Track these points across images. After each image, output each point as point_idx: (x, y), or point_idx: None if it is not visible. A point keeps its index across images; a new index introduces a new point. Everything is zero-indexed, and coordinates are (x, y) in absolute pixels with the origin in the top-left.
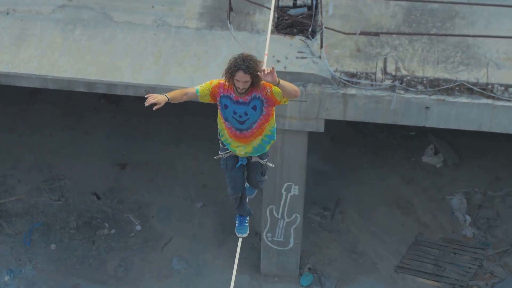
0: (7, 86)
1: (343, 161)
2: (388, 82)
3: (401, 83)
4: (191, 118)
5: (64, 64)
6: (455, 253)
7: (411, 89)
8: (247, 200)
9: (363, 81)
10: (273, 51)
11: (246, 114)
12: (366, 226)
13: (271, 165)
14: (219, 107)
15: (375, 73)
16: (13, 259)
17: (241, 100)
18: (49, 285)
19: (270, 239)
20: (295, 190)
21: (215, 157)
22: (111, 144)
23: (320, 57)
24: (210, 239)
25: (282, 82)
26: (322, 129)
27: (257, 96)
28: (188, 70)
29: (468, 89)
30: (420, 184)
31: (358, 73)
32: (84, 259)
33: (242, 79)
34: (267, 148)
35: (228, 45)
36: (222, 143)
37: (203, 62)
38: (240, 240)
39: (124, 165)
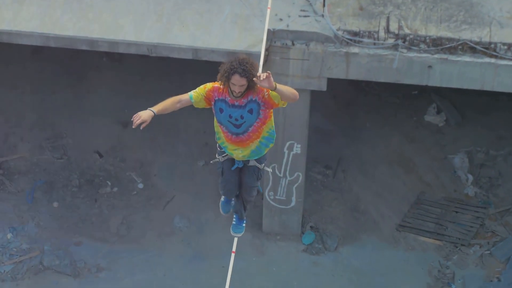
0: (9, 44)
1: (346, 120)
2: (390, 41)
3: (403, 42)
4: (193, 77)
5: (66, 22)
6: (457, 212)
7: (414, 48)
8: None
9: (365, 40)
10: (275, 10)
11: (242, 117)
12: (368, 185)
13: (268, 169)
14: (214, 111)
15: (377, 32)
16: (15, 217)
17: (236, 104)
18: (52, 242)
19: (272, 197)
20: (297, 148)
21: (211, 161)
22: (113, 102)
23: (322, 15)
24: (212, 197)
25: (279, 86)
26: (324, 88)
27: (254, 99)
28: (191, 28)
29: (471, 48)
30: (422, 143)
31: (361, 32)
32: (87, 217)
33: (238, 82)
34: (265, 152)
35: (230, 3)
36: (219, 146)
37: (206, 20)
38: (236, 239)
39: (126, 124)
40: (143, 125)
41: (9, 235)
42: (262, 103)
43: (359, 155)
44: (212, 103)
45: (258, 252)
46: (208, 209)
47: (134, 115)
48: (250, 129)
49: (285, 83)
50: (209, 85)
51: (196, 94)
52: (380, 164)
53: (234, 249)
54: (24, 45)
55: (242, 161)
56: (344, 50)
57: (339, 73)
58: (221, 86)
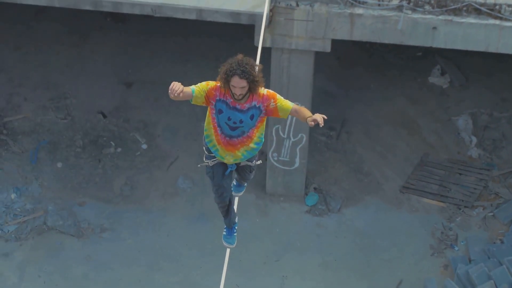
0: (14, 4)
1: (350, 81)
2: (395, 2)
3: (408, 3)
4: (197, 38)
5: None
6: (460, 174)
7: (419, 9)
8: (234, 206)
9: (370, 1)
10: None
11: (241, 121)
12: (371, 146)
13: (259, 162)
14: (212, 111)
15: None
16: (19, 177)
17: (238, 107)
18: (55, 203)
19: (276, 159)
20: None
21: (199, 165)
22: (117, 62)
23: None
24: None
25: (300, 109)
26: (328, 49)
27: (257, 106)
28: None
29: (475, 9)
30: (426, 104)
31: None
32: (90, 178)
33: (238, 84)
34: (255, 154)
35: None
36: (208, 149)
37: None
38: (228, 250)
39: (130, 84)
40: (182, 94)
41: (13, 195)
42: (264, 111)
43: (363, 117)
44: (213, 102)
45: (262, 213)
46: None
47: (172, 85)
48: (245, 134)
49: (289, 45)
50: (211, 83)
51: (198, 90)
52: (383, 125)
53: (225, 265)
54: (28, 5)
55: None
56: (349, 11)
57: (343, 34)
58: (222, 88)
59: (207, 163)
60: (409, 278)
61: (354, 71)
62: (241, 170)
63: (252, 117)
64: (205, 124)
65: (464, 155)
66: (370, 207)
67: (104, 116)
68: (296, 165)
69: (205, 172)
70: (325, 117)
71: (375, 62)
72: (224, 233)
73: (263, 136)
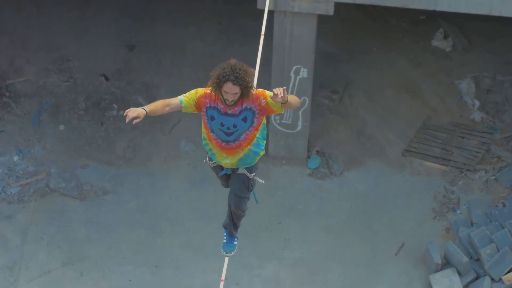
0: None
1: (353, 45)
2: None
3: None
4: (199, 1)
5: None
6: (462, 137)
7: None
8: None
9: None
10: None
11: (235, 126)
12: (374, 110)
13: (260, 180)
14: (204, 118)
15: None
16: (22, 139)
17: (229, 112)
18: (58, 165)
19: (278, 121)
20: (303, 72)
21: (204, 160)
22: (119, 25)
23: None
24: None
25: (289, 98)
26: (331, 12)
27: (248, 107)
28: None
29: None
30: (429, 68)
31: None
32: (93, 140)
33: (231, 91)
34: (256, 161)
35: None
36: (207, 152)
37: None
38: (226, 259)
39: (132, 47)
40: (136, 120)
41: (15, 158)
42: (258, 111)
43: (366, 80)
44: (204, 110)
45: (264, 176)
46: None
47: (128, 110)
48: (242, 137)
49: (292, 8)
50: (200, 91)
51: (187, 99)
52: (386, 89)
53: (223, 276)
54: None
55: (231, 168)
56: None
57: None
58: (213, 93)
59: (210, 163)
60: (411, 241)
61: (357, 34)
62: (237, 181)
63: (245, 120)
64: (202, 128)
65: (467, 118)
66: (372, 170)
67: (107, 79)
68: (299, 128)
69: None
70: (285, 88)
71: (378, 26)
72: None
73: (262, 139)
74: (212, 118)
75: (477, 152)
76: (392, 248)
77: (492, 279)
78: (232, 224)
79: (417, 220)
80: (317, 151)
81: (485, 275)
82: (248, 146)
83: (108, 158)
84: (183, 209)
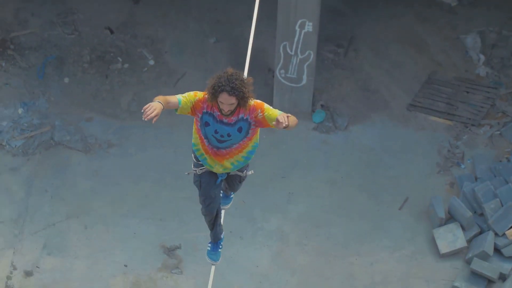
0: None
1: None
2: None
3: None
4: None
5: None
6: (467, 92)
7: None
8: (221, 219)
9: None
10: None
11: (229, 135)
12: (379, 64)
13: (250, 172)
14: (197, 123)
15: None
16: (26, 92)
17: (225, 121)
18: (63, 118)
19: (283, 75)
20: (309, 26)
21: (186, 173)
22: None
23: None
24: None
25: (290, 122)
26: None
27: (245, 118)
28: None
29: None
30: (434, 22)
31: None
32: (97, 93)
33: (227, 101)
34: (246, 164)
35: None
36: (196, 157)
37: None
38: (213, 268)
39: (137, 0)
40: (155, 119)
41: (20, 110)
42: (254, 123)
43: (371, 34)
44: (199, 115)
45: (268, 130)
46: None
47: (147, 106)
48: (234, 145)
49: None
50: (199, 94)
51: (185, 101)
52: (391, 43)
53: (209, 286)
54: None
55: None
56: None
57: None
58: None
59: (194, 171)
60: (415, 195)
61: None
62: (230, 180)
63: (240, 130)
64: (193, 132)
65: (472, 73)
66: (377, 124)
67: (112, 32)
68: (303, 82)
69: (192, 181)
70: (289, 115)
71: None
72: (209, 248)
73: (256, 144)
74: (206, 124)
75: (482, 107)
76: (396, 202)
77: (496, 234)
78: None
79: (421, 175)
80: (322, 105)
81: (488, 230)
82: (240, 154)
83: (113, 111)
84: (188, 163)
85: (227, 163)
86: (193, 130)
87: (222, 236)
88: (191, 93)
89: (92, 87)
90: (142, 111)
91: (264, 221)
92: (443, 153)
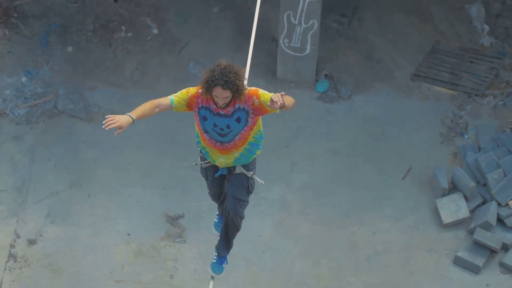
0: None
1: None
2: None
3: None
4: None
5: None
6: (471, 62)
7: None
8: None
9: None
10: None
11: (228, 127)
12: (383, 34)
13: (260, 180)
14: (196, 118)
15: None
16: (30, 60)
17: (222, 113)
18: (66, 86)
19: (287, 44)
20: None
21: (194, 163)
22: None
23: None
24: (226, 43)
25: (285, 102)
26: None
27: (242, 107)
28: None
29: None
30: None
31: None
32: (101, 62)
33: (221, 95)
34: (252, 159)
35: None
36: (200, 151)
37: None
38: (211, 283)
39: None
40: (118, 131)
41: (23, 79)
42: (252, 111)
43: (375, 4)
44: (196, 110)
45: None
46: (222, 55)
47: (110, 117)
48: (237, 137)
49: None
50: (192, 90)
51: (178, 99)
52: (395, 13)
53: None
54: None
55: (227, 168)
56: None
57: None
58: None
59: (201, 164)
60: (418, 165)
61: None
62: (236, 182)
63: (238, 120)
64: (195, 126)
65: (476, 43)
66: (381, 94)
67: (115, 1)
68: (307, 51)
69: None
70: (283, 93)
71: None
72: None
73: (260, 136)
74: (204, 118)
75: (486, 77)
76: (399, 172)
77: (499, 204)
78: (225, 239)
79: (425, 145)
80: (326, 75)
81: (491, 200)
82: (244, 145)
83: (116, 80)
84: (191, 132)
85: (230, 157)
86: (195, 125)
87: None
88: (183, 90)
89: (95, 55)
90: (104, 119)
91: (267, 191)
92: (447, 123)
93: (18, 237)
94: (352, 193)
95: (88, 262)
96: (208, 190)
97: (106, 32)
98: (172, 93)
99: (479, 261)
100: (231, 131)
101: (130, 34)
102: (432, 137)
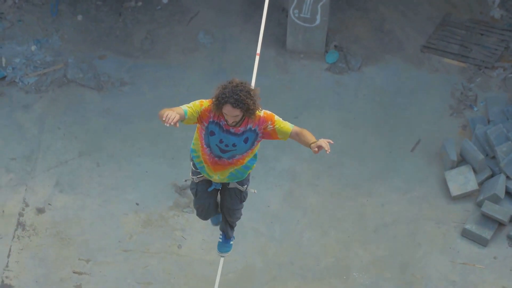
0: None
1: None
2: None
3: None
4: None
5: None
6: (482, 34)
7: None
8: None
9: None
10: None
11: (234, 145)
12: (393, 5)
13: (252, 191)
14: (202, 131)
15: None
16: (39, 29)
17: (232, 130)
18: (76, 55)
19: (297, 15)
20: None
21: (184, 180)
22: None
23: None
24: (236, 13)
25: (308, 136)
26: None
27: (253, 128)
28: None
29: None
30: None
31: None
32: (111, 31)
33: (231, 113)
34: (246, 174)
35: None
36: (194, 165)
37: None
38: (222, 260)
39: None
40: (177, 124)
41: (33, 47)
42: (261, 134)
43: None
44: (205, 124)
45: (282, 70)
46: (232, 25)
47: (165, 113)
48: (237, 156)
49: None
50: (205, 103)
51: (191, 111)
52: None
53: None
54: None
55: (221, 183)
56: None
57: None
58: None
59: (192, 179)
60: (428, 137)
61: None
62: (230, 198)
63: (246, 141)
64: (193, 138)
65: (487, 15)
66: (391, 66)
67: None
68: (317, 22)
69: (189, 187)
70: (331, 142)
71: None
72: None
73: (256, 154)
74: (211, 133)
75: (496, 49)
76: (408, 144)
77: (507, 177)
78: (229, 226)
79: (434, 117)
80: (335, 46)
81: (500, 173)
82: (240, 164)
83: (126, 49)
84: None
85: (225, 173)
86: (194, 137)
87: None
88: (197, 102)
89: (105, 25)
90: (163, 118)
91: (276, 161)
92: (456, 96)
93: (27, 205)
94: (361, 165)
95: (97, 231)
96: (195, 208)
97: (116, 1)
98: (182, 62)
99: (487, 233)
100: (235, 149)
101: (140, 3)
102: (442, 109)
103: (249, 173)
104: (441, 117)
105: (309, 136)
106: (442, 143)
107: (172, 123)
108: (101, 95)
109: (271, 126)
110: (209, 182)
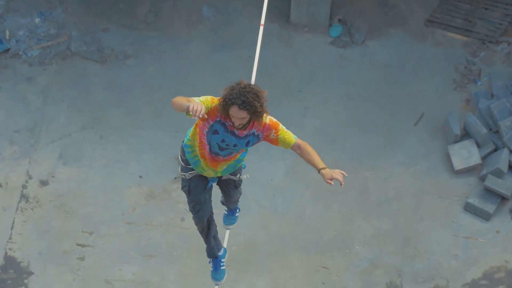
0: None
1: None
2: None
3: None
4: None
5: None
6: (486, 9)
7: None
8: (216, 233)
9: None
10: None
11: (235, 146)
12: None
13: (244, 177)
14: (204, 128)
15: None
16: (43, 2)
17: (236, 132)
18: (79, 28)
19: None
20: None
21: (174, 177)
22: None
23: None
24: None
25: (313, 156)
26: None
27: (256, 133)
28: None
29: None
30: None
31: None
32: (114, 4)
33: (238, 115)
34: (238, 166)
35: None
36: (185, 161)
37: None
38: (227, 232)
39: None
40: (205, 116)
41: (37, 20)
42: (262, 139)
43: None
44: (211, 122)
45: (286, 43)
46: None
47: (193, 105)
48: (233, 154)
49: None
50: (216, 101)
51: (205, 106)
52: None
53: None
54: None
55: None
56: None
57: None
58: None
59: (184, 176)
60: (431, 111)
61: None
62: (225, 186)
63: (247, 144)
64: (189, 135)
65: None
66: (394, 40)
67: None
68: None
69: (180, 186)
70: (345, 174)
71: None
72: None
73: (247, 149)
74: (215, 132)
75: (500, 24)
76: (412, 118)
77: (511, 151)
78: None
79: (438, 91)
80: (339, 20)
81: (503, 147)
82: (233, 159)
83: (130, 22)
84: (203, 75)
85: (219, 168)
86: (191, 132)
87: (219, 254)
88: (208, 98)
89: None
90: (190, 112)
91: None
92: (460, 70)
93: (30, 178)
94: (364, 139)
95: (100, 204)
96: (190, 211)
97: None
98: (185, 35)
99: (489, 207)
100: (235, 149)
101: None
102: (445, 83)
103: (241, 166)
104: (444, 91)
105: (316, 157)
106: (446, 117)
107: (200, 116)
108: (104, 68)
109: (275, 135)
110: (201, 177)
